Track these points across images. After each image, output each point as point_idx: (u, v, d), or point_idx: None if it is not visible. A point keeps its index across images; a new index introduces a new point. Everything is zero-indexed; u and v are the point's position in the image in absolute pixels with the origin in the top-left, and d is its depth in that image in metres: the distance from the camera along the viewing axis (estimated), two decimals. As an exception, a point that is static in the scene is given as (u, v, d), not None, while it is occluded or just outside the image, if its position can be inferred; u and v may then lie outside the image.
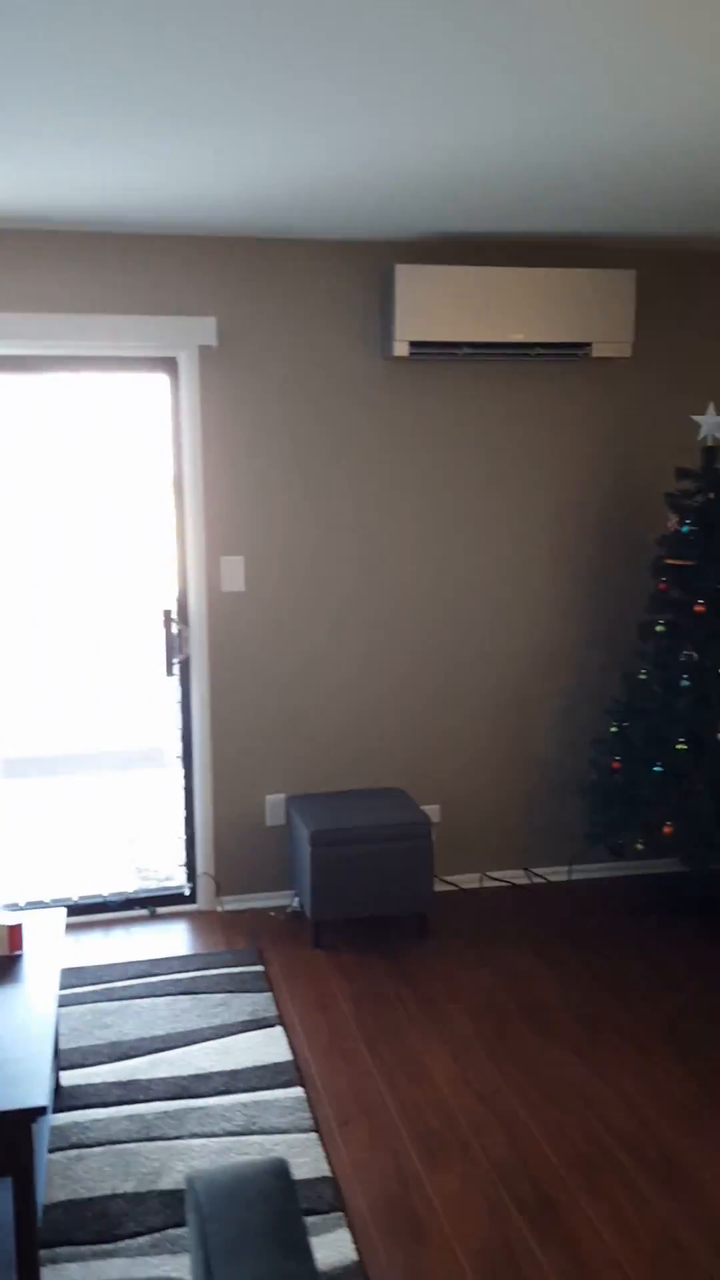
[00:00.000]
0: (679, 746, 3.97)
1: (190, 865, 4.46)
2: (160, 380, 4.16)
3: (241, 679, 4.33)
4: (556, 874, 4.71)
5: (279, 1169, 1.68)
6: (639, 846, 4.14)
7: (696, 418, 4.05)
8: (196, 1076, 3.27)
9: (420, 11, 2.00)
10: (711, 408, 4.04)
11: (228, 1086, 3.22)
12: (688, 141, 2.86)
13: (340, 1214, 2.71)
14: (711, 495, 4.01)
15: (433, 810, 4.57)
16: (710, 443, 4.05)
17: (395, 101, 2.52)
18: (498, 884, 4.66)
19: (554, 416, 4.42)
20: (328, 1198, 2.77)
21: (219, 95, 2.46)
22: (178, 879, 4.52)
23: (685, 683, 3.98)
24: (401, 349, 4.02)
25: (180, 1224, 2.68)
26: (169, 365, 4.13)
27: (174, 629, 4.28)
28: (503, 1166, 2.91)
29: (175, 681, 4.34)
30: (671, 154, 2.98)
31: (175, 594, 4.28)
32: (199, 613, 4.25)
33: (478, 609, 4.49)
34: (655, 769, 4.00)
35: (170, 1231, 2.66)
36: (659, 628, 4.06)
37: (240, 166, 3.09)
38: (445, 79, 2.37)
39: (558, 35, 2.13)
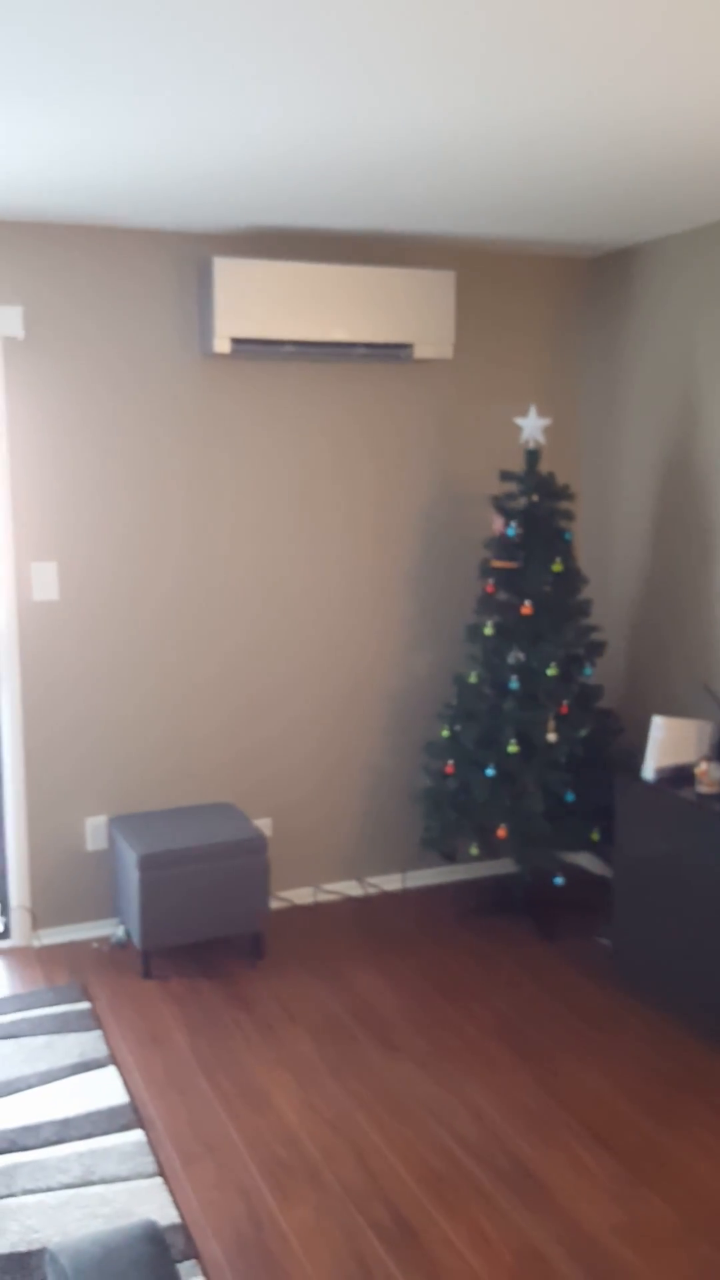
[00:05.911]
0: (510, 748, 3.97)
1: (2, 899, 4.14)
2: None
3: (57, 694, 4.06)
4: (390, 883, 4.65)
5: (150, 1233, 1.51)
6: (473, 851, 4.13)
7: (518, 420, 4.08)
8: (24, 1129, 3.00)
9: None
10: (532, 410, 4.09)
11: (60, 1136, 2.97)
12: (498, 143, 2.86)
13: (193, 1261, 2.53)
14: (534, 498, 4.04)
15: (264, 824, 4.42)
16: (532, 445, 4.08)
17: (206, 86, 2.38)
18: (332, 896, 4.56)
19: (378, 418, 4.36)
20: (179, 1245, 2.57)
21: (15, 62, 2.25)
22: (-11, 913, 4.20)
23: (514, 685, 3.99)
24: (222, 345, 3.87)
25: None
26: (-30, 358, 3.84)
27: (-19, 643, 3.97)
28: (356, 1192, 2.79)
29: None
30: (479, 155, 2.97)
31: (-19, 605, 3.97)
32: (8, 623, 3.95)
33: (303, 615, 4.38)
34: (487, 772, 4.00)
35: (3, 1305, 2.41)
36: (487, 630, 4.06)
37: (43, 146, 2.87)
38: (259, 68, 2.26)
39: (371, 32, 2.05)
